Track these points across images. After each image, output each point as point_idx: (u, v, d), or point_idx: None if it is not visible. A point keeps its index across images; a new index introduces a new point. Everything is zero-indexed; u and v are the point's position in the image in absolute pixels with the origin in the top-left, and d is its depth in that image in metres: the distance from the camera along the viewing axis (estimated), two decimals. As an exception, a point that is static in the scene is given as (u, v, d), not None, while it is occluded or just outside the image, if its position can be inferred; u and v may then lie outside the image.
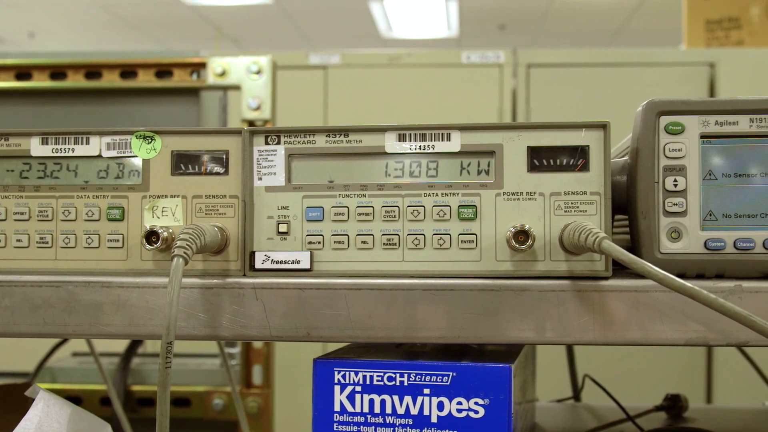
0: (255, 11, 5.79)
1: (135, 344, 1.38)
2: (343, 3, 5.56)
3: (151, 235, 0.60)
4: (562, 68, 2.29)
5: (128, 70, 1.36)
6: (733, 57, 2.25)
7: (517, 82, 2.27)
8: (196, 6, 5.65)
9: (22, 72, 1.36)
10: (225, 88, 1.38)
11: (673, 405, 0.90)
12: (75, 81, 1.36)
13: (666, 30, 5.74)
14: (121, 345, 1.37)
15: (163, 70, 1.36)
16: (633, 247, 0.60)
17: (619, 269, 0.62)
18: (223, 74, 1.33)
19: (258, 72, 1.33)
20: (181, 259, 0.55)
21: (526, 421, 0.76)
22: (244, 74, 1.33)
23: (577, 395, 1.03)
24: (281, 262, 0.60)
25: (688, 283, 0.54)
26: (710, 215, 0.58)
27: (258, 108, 1.32)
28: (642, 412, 0.88)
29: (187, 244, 0.55)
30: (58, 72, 1.37)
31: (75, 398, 1.33)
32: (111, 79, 1.36)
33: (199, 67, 1.35)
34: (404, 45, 6.44)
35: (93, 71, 1.36)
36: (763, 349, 0.90)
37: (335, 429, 0.60)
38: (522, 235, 0.57)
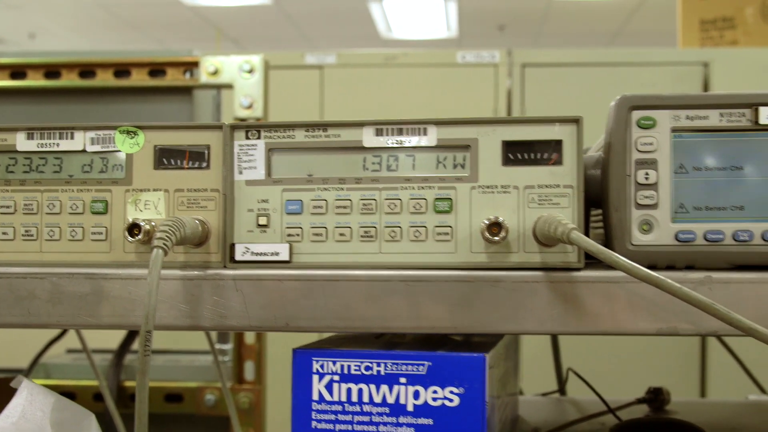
0: (255, 12, 5.81)
1: (128, 340, 1.40)
2: (342, 4, 5.58)
3: (133, 228, 0.61)
4: (557, 68, 2.30)
5: (122, 69, 1.37)
6: (727, 57, 2.26)
7: (512, 81, 2.28)
8: (195, 6, 5.67)
9: (17, 71, 1.37)
10: (218, 87, 1.39)
11: (655, 398, 0.91)
12: (69, 80, 1.38)
13: (665, 31, 5.73)
14: (115, 341, 1.38)
15: (157, 69, 1.37)
16: (606, 240, 0.61)
17: (594, 262, 0.63)
18: (215, 73, 1.35)
19: (250, 71, 1.34)
20: (160, 250, 0.56)
21: (506, 412, 0.77)
22: (236, 73, 1.34)
23: (562, 389, 1.05)
24: (261, 254, 0.61)
25: (653, 273, 0.55)
26: (681, 208, 0.59)
27: (250, 106, 1.33)
28: (623, 404, 0.89)
29: (166, 236, 0.57)
30: (52, 71, 1.38)
31: (68, 394, 1.34)
32: (105, 78, 1.38)
33: (192, 66, 1.36)
34: (403, 45, 6.45)
35: (87, 70, 1.38)
36: (751, 344, 0.91)
37: (313, 417, 0.62)
38: (495, 227, 0.58)
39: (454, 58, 2.32)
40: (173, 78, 1.37)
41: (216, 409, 1.31)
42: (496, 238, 0.58)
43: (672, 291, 0.56)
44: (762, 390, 1.03)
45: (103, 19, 6.02)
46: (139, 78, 1.37)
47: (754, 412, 0.94)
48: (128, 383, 1.35)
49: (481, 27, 6.16)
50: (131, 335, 1.42)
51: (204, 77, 1.35)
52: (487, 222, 0.58)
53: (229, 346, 1.38)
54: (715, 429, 0.84)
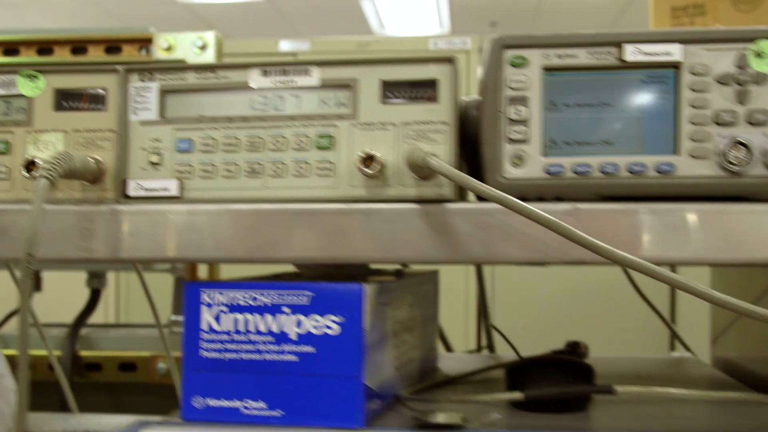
0: (247, 9, 5.84)
1: (84, 314, 1.43)
2: (334, 0, 5.61)
3: (30, 165, 0.64)
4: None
5: (79, 46, 1.40)
6: (696, 42, 2.27)
7: (483, 68, 2.30)
8: (188, 4, 5.71)
9: (-23, 49, 1.40)
10: (172, 63, 1.42)
11: (573, 351, 0.93)
12: (28, 56, 1.41)
13: (656, 26, 5.75)
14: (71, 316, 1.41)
15: (113, 46, 1.40)
16: (481, 174, 0.63)
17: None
18: (169, 49, 1.37)
19: (203, 47, 1.37)
20: (44, 180, 0.59)
21: (413, 358, 0.79)
22: (189, 49, 1.37)
23: (490, 345, 1.07)
24: (152, 190, 0.64)
25: (517, 200, 0.57)
26: (552, 143, 0.62)
27: (202, 81, 1.36)
28: (538, 356, 0.91)
29: (51, 166, 0.59)
30: (10, 49, 1.41)
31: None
32: (62, 55, 1.41)
33: (147, 43, 1.39)
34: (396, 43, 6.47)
35: (45, 47, 1.41)
36: (692, 303, 0.92)
37: (202, 346, 0.64)
38: (369, 160, 0.61)
39: (426, 45, 2.35)
40: (129, 55, 1.40)
41: (168, 377, 1.34)
42: (370, 171, 0.61)
43: (539, 220, 0.59)
44: (686, 348, 1.05)
45: (98, 17, 6.07)
46: (95, 55, 1.40)
47: (666, 366, 0.96)
48: (84, 353, 1.38)
49: (474, 23, 6.19)
50: (89, 308, 1.45)
51: (158, 54, 1.38)
52: (362, 155, 0.61)
53: (182, 318, 1.40)
54: (623, 378, 0.86)
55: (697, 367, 0.97)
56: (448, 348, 1.03)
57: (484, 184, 0.59)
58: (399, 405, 0.71)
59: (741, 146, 0.60)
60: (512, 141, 0.62)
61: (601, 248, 0.59)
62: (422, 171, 0.60)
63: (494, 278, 1.71)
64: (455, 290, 1.96)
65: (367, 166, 0.61)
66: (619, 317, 2.00)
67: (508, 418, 0.69)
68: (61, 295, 1.60)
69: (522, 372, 0.72)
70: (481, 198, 0.59)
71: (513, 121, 0.62)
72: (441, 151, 0.62)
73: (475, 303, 1.65)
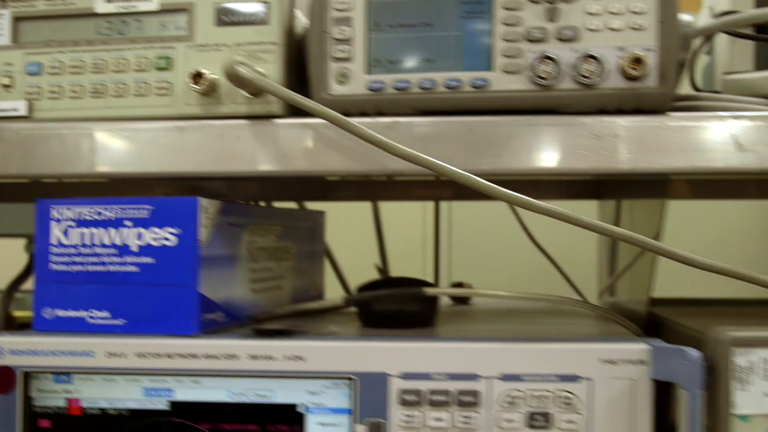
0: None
1: (21, 278, 1.46)
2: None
3: None
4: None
5: None
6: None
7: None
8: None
9: None
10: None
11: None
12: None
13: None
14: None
15: None
16: (308, 92, 0.66)
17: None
18: None
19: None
20: None
21: (297, 296, 0.83)
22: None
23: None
24: (3, 110, 0.68)
25: (331, 112, 0.61)
26: (375, 61, 0.65)
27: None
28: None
29: None
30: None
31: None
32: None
33: None
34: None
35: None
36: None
37: (51, 260, 0.67)
38: (198, 77, 0.64)
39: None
40: None
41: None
42: (198, 87, 0.64)
43: (357, 133, 0.62)
44: (577, 291, 1.08)
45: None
46: None
47: (544, 304, 0.99)
48: (17, 313, 1.42)
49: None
50: (26, 273, 1.48)
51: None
52: (192, 72, 0.64)
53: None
54: (494, 311, 0.89)
55: (577, 305, 0.99)
56: (347, 290, 1.06)
57: (305, 98, 0.62)
58: (251, 323, 0.74)
59: (549, 61, 0.63)
60: (337, 59, 0.65)
61: (417, 158, 0.62)
62: (249, 87, 0.63)
63: (451, 217, 1.75)
64: (412, 228, 1.97)
65: (196, 83, 0.64)
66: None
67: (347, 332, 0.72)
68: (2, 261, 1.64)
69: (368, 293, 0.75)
70: (307, 114, 0.63)
71: (338, 41, 0.65)
72: (271, 70, 0.65)
73: (433, 243, 1.69)
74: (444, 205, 1.67)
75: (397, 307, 0.72)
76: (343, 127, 0.62)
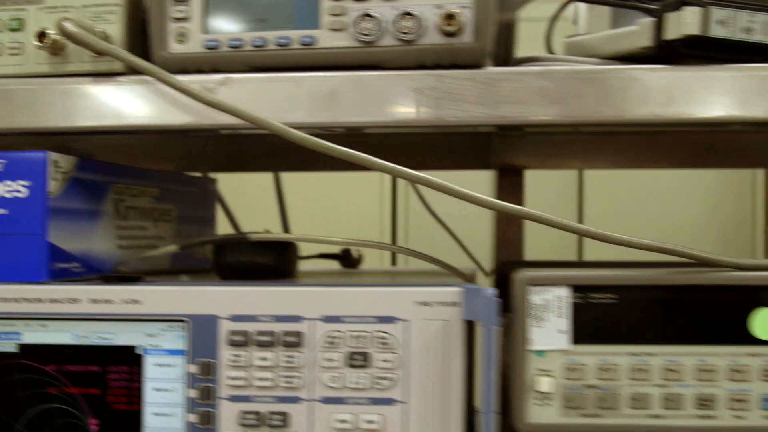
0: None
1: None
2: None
3: None
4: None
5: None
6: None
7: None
8: None
9: None
10: None
11: (345, 256, 1.00)
12: None
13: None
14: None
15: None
16: (149, 51, 0.70)
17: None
18: None
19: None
20: None
21: (179, 259, 0.86)
22: None
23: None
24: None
25: (156, 68, 0.64)
26: (212, 21, 0.68)
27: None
28: (312, 255, 0.97)
29: None
30: None
31: None
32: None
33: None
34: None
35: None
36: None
37: None
38: (42, 37, 0.68)
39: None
40: None
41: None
42: (42, 45, 0.68)
43: (179, 88, 0.66)
44: (477, 263, 1.11)
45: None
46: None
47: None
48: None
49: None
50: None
51: None
52: (37, 31, 0.68)
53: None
54: (377, 273, 0.92)
55: (408, 253, 1.02)
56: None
57: (133, 56, 0.66)
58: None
59: (371, 18, 0.66)
60: (176, 20, 0.68)
61: (240, 112, 0.65)
62: (87, 45, 0.67)
63: (408, 191, 1.78)
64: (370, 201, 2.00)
65: (41, 42, 0.68)
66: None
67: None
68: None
69: (227, 249, 0.78)
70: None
71: (176, 2, 0.68)
72: (114, 30, 0.69)
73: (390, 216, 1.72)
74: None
75: (248, 258, 0.75)
76: (168, 83, 0.66)
